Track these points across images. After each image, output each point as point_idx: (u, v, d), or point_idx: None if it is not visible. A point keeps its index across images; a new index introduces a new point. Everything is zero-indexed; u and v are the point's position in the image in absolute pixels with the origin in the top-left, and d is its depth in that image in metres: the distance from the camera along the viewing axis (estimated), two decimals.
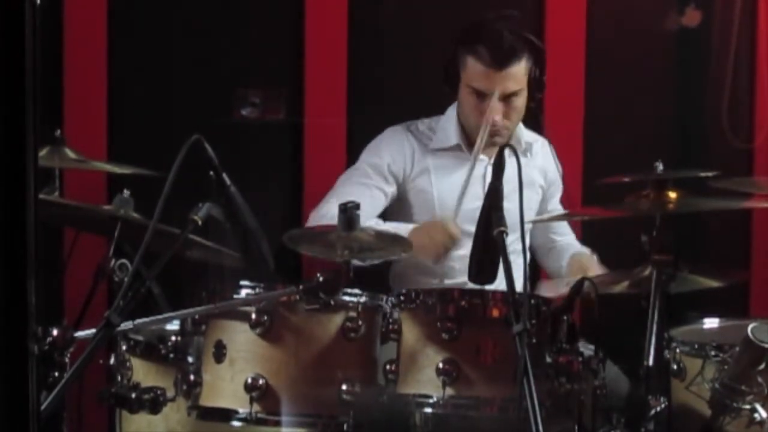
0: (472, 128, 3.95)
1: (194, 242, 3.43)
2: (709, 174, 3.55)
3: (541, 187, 4.14)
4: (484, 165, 3.95)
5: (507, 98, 3.87)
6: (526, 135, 4.09)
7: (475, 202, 3.93)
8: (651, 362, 3.26)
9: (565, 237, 4.23)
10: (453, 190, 3.93)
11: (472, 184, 3.89)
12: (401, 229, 3.78)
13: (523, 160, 3.92)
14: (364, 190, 3.94)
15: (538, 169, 4.13)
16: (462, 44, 3.91)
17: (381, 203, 3.99)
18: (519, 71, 3.86)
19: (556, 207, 4.19)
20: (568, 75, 4.70)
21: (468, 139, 4.00)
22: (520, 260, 2.91)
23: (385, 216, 4.02)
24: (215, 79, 4.61)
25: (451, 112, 4.04)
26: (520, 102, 3.90)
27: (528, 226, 3.88)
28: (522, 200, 2.88)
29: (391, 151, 4.03)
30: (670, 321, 3.40)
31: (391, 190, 4.02)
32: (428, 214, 3.99)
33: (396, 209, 4.05)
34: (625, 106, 4.87)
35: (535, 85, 3.90)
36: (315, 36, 4.65)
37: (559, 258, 4.16)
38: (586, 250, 4.11)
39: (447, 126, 4.04)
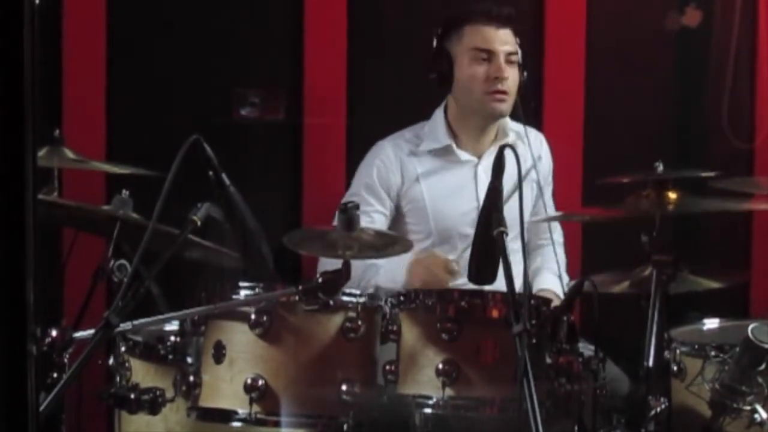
0: (476, 103, 3.91)
1: (193, 242, 3.42)
2: (709, 174, 3.55)
3: (536, 183, 4.06)
4: (472, 166, 3.95)
5: (508, 61, 3.88)
6: (511, 125, 4.04)
7: (471, 203, 3.93)
8: (651, 362, 3.26)
9: (545, 243, 4.16)
10: (444, 195, 3.95)
11: (464, 187, 3.90)
12: (400, 262, 3.75)
13: (521, 146, 3.95)
14: (364, 218, 3.91)
15: (533, 159, 4.05)
16: (453, 25, 3.94)
17: (383, 225, 3.96)
18: (513, 37, 3.90)
19: (548, 203, 4.11)
20: (568, 75, 4.70)
21: (457, 140, 3.99)
22: (520, 260, 2.90)
23: None
24: (215, 79, 4.61)
25: (439, 113, 4.03)
26: (516, 73, 3.90)
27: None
28: (522, 200, 2.88)
29: (379, 169, 3.99)
30: (670, 321, 3.39)
31: (389, 207, 4.00)
32: (423, 223, 3.97)
33: (391, 220, 4.03)
34: (625, 106, 4.87)
35: (522, 65, 3.90)
36: (314, 36, 4.65)
37: (532, 273, 4.09)
38: (552, 284, 4.03)
39: (435, 128, 4.01)
